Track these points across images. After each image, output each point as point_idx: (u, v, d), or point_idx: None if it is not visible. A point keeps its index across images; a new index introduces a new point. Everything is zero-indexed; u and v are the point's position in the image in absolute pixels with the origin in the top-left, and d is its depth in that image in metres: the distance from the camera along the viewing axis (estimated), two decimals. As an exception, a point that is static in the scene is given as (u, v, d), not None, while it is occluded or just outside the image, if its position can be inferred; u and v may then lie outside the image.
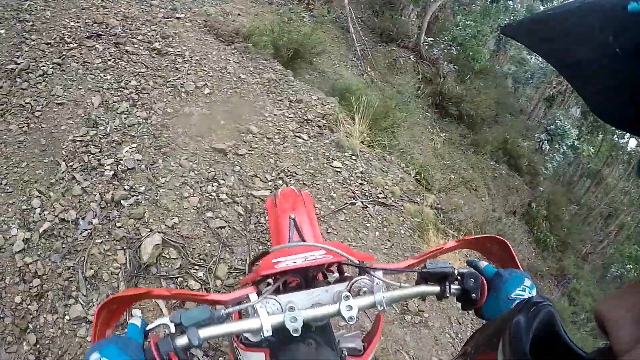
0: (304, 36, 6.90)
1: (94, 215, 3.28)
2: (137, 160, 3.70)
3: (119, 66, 4.75)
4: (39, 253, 3.04)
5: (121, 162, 3.66)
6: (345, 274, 1.24)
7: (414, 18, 14.72)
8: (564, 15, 0.43)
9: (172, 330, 0.85)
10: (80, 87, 4.47)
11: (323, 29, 11.70)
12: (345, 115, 5.57)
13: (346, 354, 1.09)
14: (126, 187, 3.49)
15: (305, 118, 5.07)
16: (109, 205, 3.36)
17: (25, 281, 2.87)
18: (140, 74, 4.72)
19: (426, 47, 13.81)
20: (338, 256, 1.03)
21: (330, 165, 4.51)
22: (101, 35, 5.25)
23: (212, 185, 3.69)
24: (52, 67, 4.72)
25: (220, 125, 4.40)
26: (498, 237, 1.13)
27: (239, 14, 8.71)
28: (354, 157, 4.73)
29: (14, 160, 3.73)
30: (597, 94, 0.46)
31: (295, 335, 0.88)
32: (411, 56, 13.28)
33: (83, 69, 4.71)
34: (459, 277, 1.03)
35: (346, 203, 4.12)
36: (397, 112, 6.96)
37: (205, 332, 0.84)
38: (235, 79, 5.21)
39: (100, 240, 3.09)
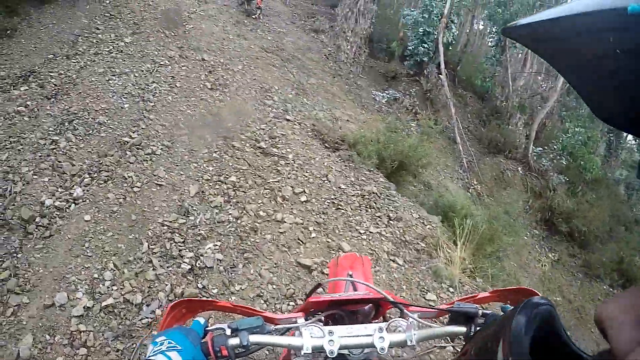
0: (409, 148, 7.20)
1: (159, 306, 3.40)
2: (218, 259, 3.85)
3: (223, 159, 5.29)
4: (94, 325, 3.16)
5: (201, 257, 3.84)
6: (387, 316, 1.44)
7: (521, 127, 14.84)
8: (564, 17, 0.46)
9: (228, 334, 1.06)
10: (182, 172, 4.98)
11: (430, 139, 12.22)
12: (447, 238, 5.47)
13: None
14: (199, 285, 3.61)
15: (403, 239, 5.01)
16: (176, 299, 3.54)
17: (73, 346, 3.00)
18: (241, 170, 5.16)
19: (534, 158, 13.74)
20: (376, 293, 1.23)
21: (424, 298, 4.32)
22: (213, 126, 6.05)
23: (288, 305, 3.76)
24: (161, 148, 5.41)
25: (310, 237, 4.49)
26: (529, 288, 1.25)
27: (347, 120, 9.47)
28: (451, 289, 4.50)
29: (102, 228, 4.07)
30: (597, 95, 0.49)
31: (330, 356, 1.05)
32: (519, 168, 13.28)
33: (189, 155, 5.31)
34: (483, 318, 1.14)
35: (434, 346, 3.89)
36: (504, 236, 6.72)
37: (254, 337, 1.05)
38: (335, 188, 5.44)
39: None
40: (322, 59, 12.25)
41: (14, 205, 4.20)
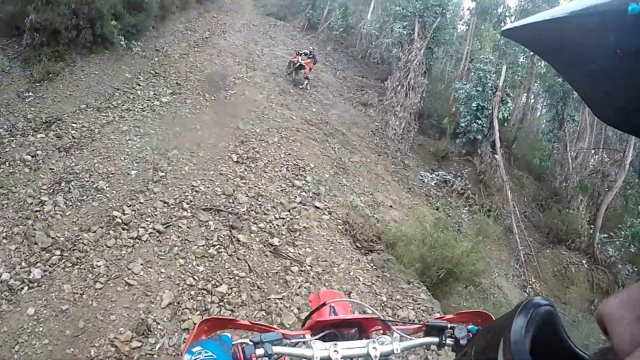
0: (461, 255, 5.76)
1: None
2: None
3: (220, 258, 4.14)
4: None
5: None
6: (370, 335, 1.58)
7: (583, 210, 12.98)
8: (565, 17, 0.45)
9: (252, 345, 1.20)
10: (162, 270, 3.84)
11: (485, 234, 10.69)
12: None
13: None
14: None
15: None
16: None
17: None
18: (237, 278, 3.98)
19: (600, 248, 11.87)
20: (370, 314, 1.53)
21: None
22: (221, 210, 4.99)
23: None
24: (149, 233, 4.36)
25: None
26: (484, 312, 1.45)
27: (390, 206, 8.23)
28: None
29: (41, 329, 3.21)
30: (597, 95, 0.48)
31: None
32: (584, 261, 11.48)
33: (180, 247, 4.19)
34: (451, 330, 1.35)
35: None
36: None
37: (275, 349, 1.23)
38: (359, 313, 4.16)
39: None
40: (368, 134, 11.26)
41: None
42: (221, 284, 3.82)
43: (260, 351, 1.19)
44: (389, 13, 18.47)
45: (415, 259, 5.37)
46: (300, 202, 5.73)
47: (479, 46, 18.46)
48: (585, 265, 11.53)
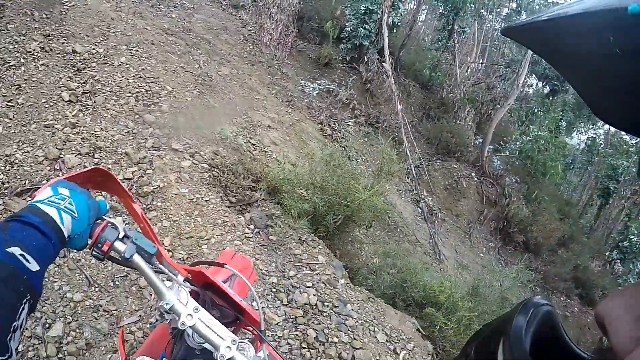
0: (364, 194, 4.81)
1: None
2: None
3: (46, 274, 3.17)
4: None
5: None
6: (238, 330, 1.42)
7: (470, 121, 13.71)
8: (564, 17, 0.43)
9: (120, 234, 0.99)
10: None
11: (371, 141, 10.37)
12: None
13: None
14: None
15: None
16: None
17: None
18: (69, 299, 2.91)
19: (488, 160, 12.61)
20: (256, 315, 1.29)
21: None
22: (20, 194, 3.78)
23: None
24: None
25: None
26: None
27: (269, 127, 7.35)
28: None
29: None
30: (597, 95, 0.48)
31: (181, 328, 1.04)
32: (473, 173, 11.91)
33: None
34: None
35: None
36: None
37: (136, 258, 0.99)
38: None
39: None
40: (239, 41, 9.73)
41: None
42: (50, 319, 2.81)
43: (119, 246, 0.97)
44: None
45: (306, 209, 4.50)
46: (152, 147, 4.60)
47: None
48: (475, 178, 11.95)
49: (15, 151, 4.04)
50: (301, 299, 3.55)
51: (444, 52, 14.20)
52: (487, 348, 0.56)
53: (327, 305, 3.57)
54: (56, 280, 2.98)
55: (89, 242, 0.97)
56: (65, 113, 4.78)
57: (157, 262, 1.07)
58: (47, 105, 4.83)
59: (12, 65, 5.44)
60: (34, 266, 0.76)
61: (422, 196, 9.99)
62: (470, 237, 10.10)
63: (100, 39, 6.75)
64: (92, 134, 4.48)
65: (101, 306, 2.92)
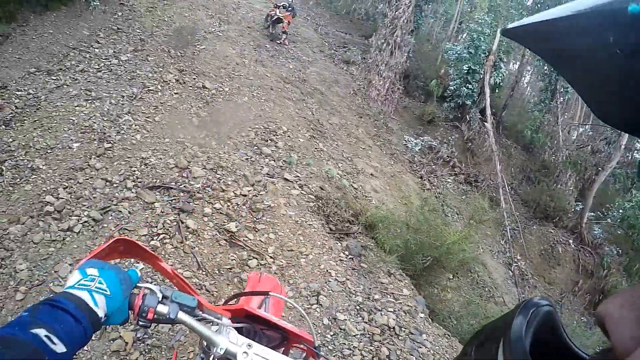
0: (452, 244, 4.82)
1: None
2: None
3: (164, 251, 3.38)
4: None
5: None
6: (289, 352, 1.47)
7: (572, 186, 12.71)
8: (565, 17, 0.44)
9: (159, 296, 0.99)
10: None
11: (469, 199, 10.05)
12: None
13: None
14: None
15: None
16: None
17: None
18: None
19: (587, 226, 11.54)
20: (306, 334, 1.33)
21: None
22: (172, 188, 4.18)
23: None
24: (84, 222, 3.59)
25: None
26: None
27: (371, 175, 7.50)
28: None
29: None
30: (597, 95, 0.47)
31: None
32: (570, 240, 11.03)
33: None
34: None
35: None
36: None
37: (182, 315, 1.01)
38: (328, 321, 3.34)
39: None
40: (349, 94, 10.30)
41: None
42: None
43: (162, 309, 0.97)
44: (376, -33, 17.15)
45: (398, 245, 4.63)
46: (267, 174, 4.95)
47: (469, 9, 17.33)
48: (572, 245, 11.16)
49: (150, 156, 4.60)
50: (381, 320, 3.60)
51: (546, 113, 13.63)
52: (488, 348, 0.56)
53: (404, 331, 3.60)
54: (171, 258, 3.26)
55: (131, 314, 0.98)
56: (195, 135, 5.35)
57: (200, 312, 1.10)
58: (179, 126, 5.47)
59: (150, 90, 6.27)
60: (59, 348, 0.76)
61: (515, 259, 9.36)
62: (561, 308, 9.13)
63: (226, 79, 7.56)
64: (217, 155, 4.96)
65: (205, 286, 3.19)
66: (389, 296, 3.93)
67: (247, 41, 9.76)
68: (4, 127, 4.76)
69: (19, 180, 4.05)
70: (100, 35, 7.74)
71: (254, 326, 1.30)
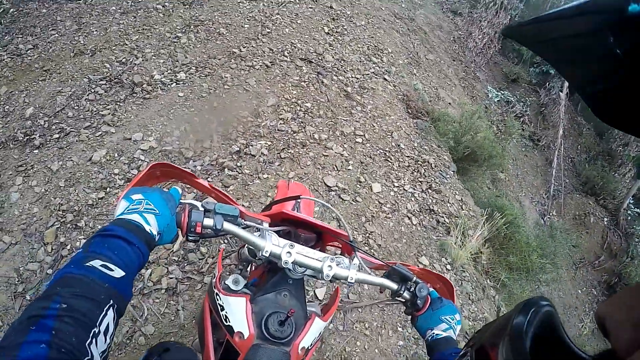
0: (483, 139, 7.12)
1: (201, 164, 4.32)
2: (262, 153, 4.63)
3: (308, 89, 5.80)
4: (150, 158, 4.17)
5: (250, 147, 4.63)
6: (325, 249, 1.61)
7: (627, 180, 13.02)
8: (565, 17, 0.47)
9: (202, 212, 1.13)
10: (268, 88, 5.62)
11: (527, 153, 11.83)
12: (474, 225, 5.53)
13: (312, 310, 1.37)
14: (237, 164, 4.41)
15: (431, 208, 5.23)
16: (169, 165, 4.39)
17: (130, 166, 4.03)
18: (319, 101, 5.67)
19: (628, 217, 12.16)
20: (341, 230, 1.43)
21: (417, 259, 4.54)
22: (312, 62, 6.56)
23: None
24: (260, 65, 6.04)
25: (346, 168, 4.98)
26: (446, 278, 1.53)
27: (450, 103, 9.53)
28: (448, 267, 4.62)
29: (188, 104, 4.86)
30: (597, 95, 0.49)
31: (285, 267, 1.21)
32: (605, 218, 11.87)
33: (281, 77, 5.84)
34: (414, 284, 1.38)
35: (380, 301, 4.03)
36: (539, 259, 6.53)
37: (226, 225, 1.15)
38: (394, 144, 5.76)
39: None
40: (449, 40, 12.17)
41: (130, 72, 5.27)
42: (307, 102, 5.56)
43: (208, 222, 1.10)
44: None
45: (450, 136, 6.80)
46: (373, 72, 7.20)
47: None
48: (605, 222, 11.79)
49: (297, 42, 7.02)
50: (426, 156, 6.05)
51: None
52: (487, 348, 0.60)
53: (438, 167, 6.03)
54: (312, 92, 5.78)
55: (180, 231, 1.08)
56: (325, 38, 7.70)
57: (242, 220, 1.23)
58: (314, 31, 7.80)
59: (291, 1, 8.55)
60: (117, 273, 0.83)
61: (550, 214, 10.92)
62: (575, 271, 10.36)
63: (349, 4, 9.72)
64: (340, 53, 7.28)
65: (331, 109, 5.64)
66: (434, 153, 6.26)
67: (370, -23, 11.84)
68: (188, 6, 7.17)
69: (210, 38, 6.43)
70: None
71: (291, 229, 1.45)
